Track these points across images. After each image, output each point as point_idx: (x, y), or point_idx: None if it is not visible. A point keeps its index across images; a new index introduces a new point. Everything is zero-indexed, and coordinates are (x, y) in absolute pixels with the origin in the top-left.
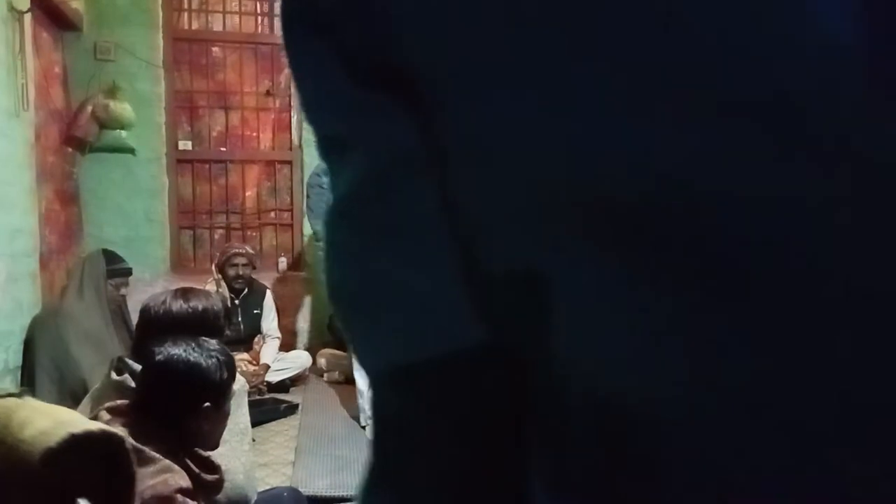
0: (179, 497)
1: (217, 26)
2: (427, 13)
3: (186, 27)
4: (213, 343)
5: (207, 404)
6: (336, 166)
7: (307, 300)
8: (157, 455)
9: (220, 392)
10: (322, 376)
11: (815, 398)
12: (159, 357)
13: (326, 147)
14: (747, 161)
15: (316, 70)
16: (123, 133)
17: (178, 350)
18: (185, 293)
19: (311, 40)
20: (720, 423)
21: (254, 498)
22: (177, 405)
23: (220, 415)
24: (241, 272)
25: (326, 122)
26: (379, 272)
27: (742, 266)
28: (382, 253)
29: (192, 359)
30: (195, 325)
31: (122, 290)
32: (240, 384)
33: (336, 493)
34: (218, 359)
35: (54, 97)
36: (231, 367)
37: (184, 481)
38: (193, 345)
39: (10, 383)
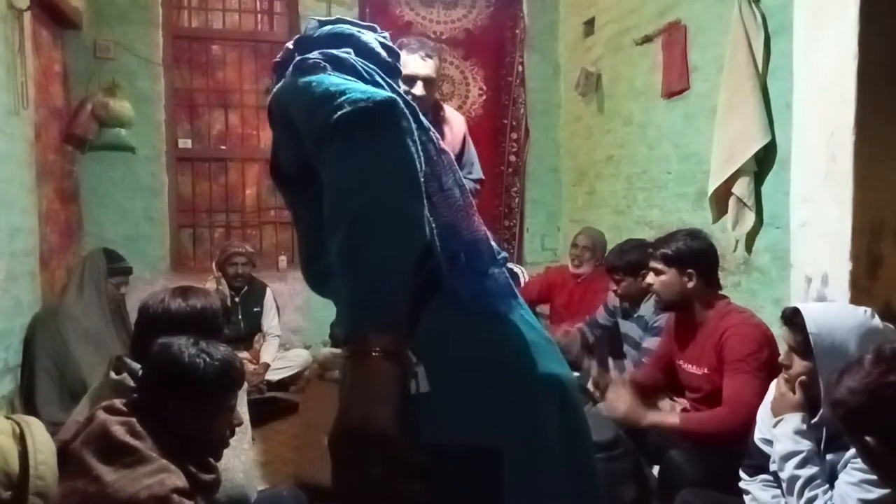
0: (175, 497)
1: (217, 24)
2: None
3: (186, 25)
4: (216, 346)
5: (185, 401)
6: None
7: (307, 298)
8: (154, 454)
9: (201, 391)
10: (322, 375)
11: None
12: (154, 348)
13: None
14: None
15: None
16: (123, 131)
17: (171, 343)
18: (183, 292)
19: None
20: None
21: (254, 496)
22: (154, 395)
23: (204, 415)
24: (240, 270)
25: None
26: None
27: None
28: None
29: (174, 351)
30: (194, 323)
31: (123, 289)
32: None
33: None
34: (206, 360)
35: (54, 95)
36: (224, 372)
37: (180, 481)
38: (192, 342)
39: (9, 382)
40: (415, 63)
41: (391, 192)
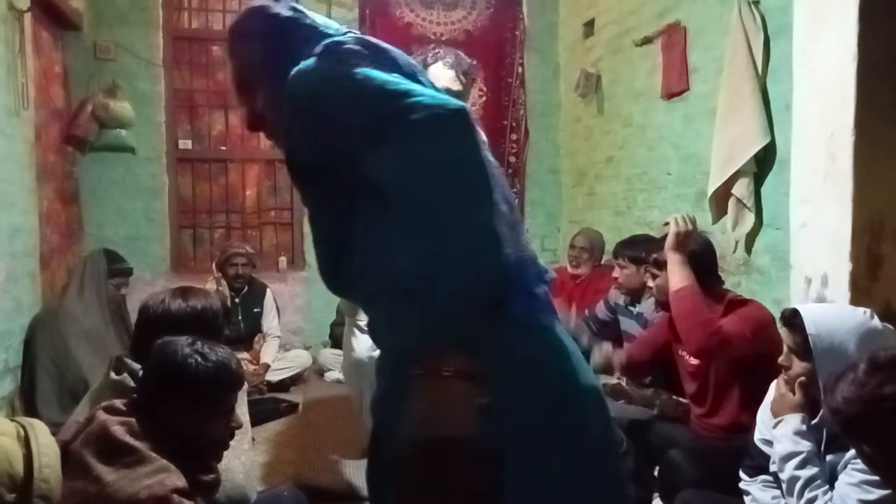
0: (176, 497)
1: (217, 25)
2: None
3: (186, 26)
4: (214, 347)
5: (183, 402)
6: None
7: (307, 299)
8: (154, 454)
9: (197, 392)
10: (322, 375)
11: None
12: (153, 349)
13: None
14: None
15: None
16: (123, 132)
17: (168, 343)
18: (183, 292)
19: None
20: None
21: (254, 497)
22: (153, 396)
23: (203, 416)
24: (240, 271)
25: None
26: None
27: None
28: None
29: (171, 351)
30: (193, 324)
31: (123, 290)
32: None
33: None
34: (198, 360)
35: (54, 96)
36: (218, 374)
37: (180, 481)
38: (190, 342)
39: (10, 383)
40: (449, 79)
41: (472, 205)
